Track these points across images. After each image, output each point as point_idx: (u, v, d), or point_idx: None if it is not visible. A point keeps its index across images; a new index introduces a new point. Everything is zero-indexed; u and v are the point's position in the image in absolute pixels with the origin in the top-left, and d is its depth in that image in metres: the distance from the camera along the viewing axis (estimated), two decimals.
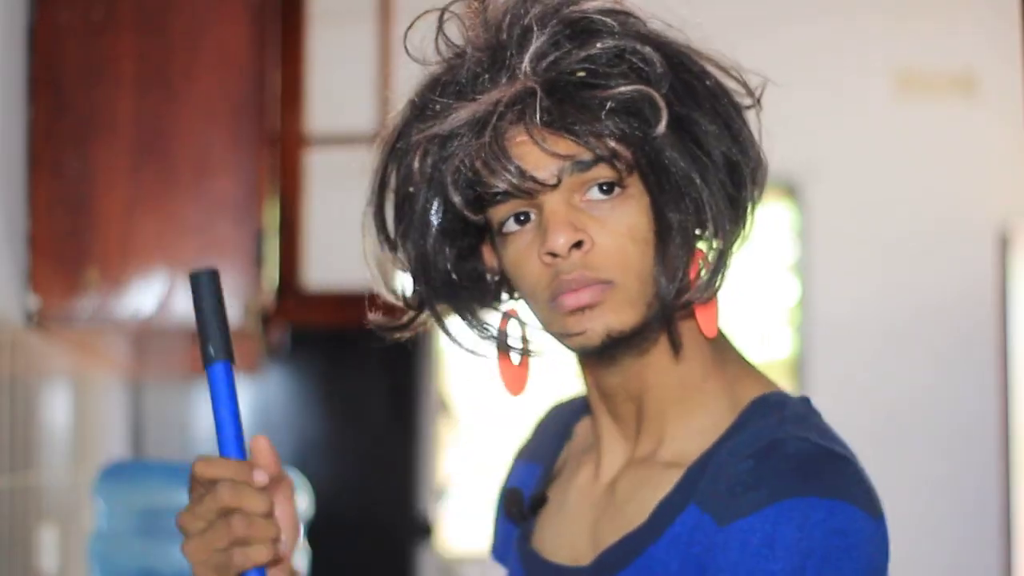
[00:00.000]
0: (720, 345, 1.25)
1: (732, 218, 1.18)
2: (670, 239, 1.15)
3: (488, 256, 1.22)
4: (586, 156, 1.12)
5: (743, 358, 1.27)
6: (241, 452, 1.10)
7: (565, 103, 1.11)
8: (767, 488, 1.09)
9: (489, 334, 1.21)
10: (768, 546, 1.07)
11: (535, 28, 1.13)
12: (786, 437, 1.14)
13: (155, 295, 1.89)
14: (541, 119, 1.11)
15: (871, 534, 1.12)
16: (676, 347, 1.20)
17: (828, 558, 1.08)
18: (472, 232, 1.20)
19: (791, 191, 5.68)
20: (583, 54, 1.13)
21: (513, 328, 1.21)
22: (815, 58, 5.65)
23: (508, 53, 1.14)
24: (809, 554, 1.07)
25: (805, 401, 1.23)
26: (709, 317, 1.20)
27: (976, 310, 5.53)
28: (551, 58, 1.12)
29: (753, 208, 1.21)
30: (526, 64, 1.12)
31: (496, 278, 1.23)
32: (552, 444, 1.38)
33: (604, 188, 1.13)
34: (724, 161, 1.17)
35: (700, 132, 1.16)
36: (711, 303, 1.20)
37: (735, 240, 1.20)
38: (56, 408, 2.09)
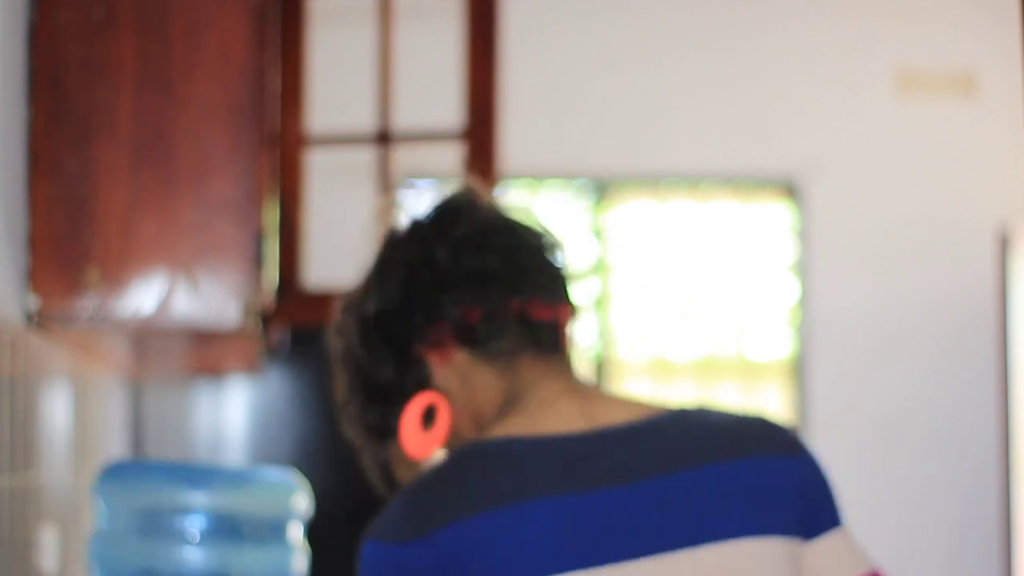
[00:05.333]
0: None
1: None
2: None
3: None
4: None
5: None
6: None
7: None
8: None
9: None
10: None
11: None
12: None
13: (155, 295, 1.89)
14: None
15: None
16: None
17: None
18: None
19: (791, 191, 5.69)
20: None
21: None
22: (815, 58, 5.65)
23: None
24: None
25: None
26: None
27: (976, 310, 5.53)
28: None
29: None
30: None
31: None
32: None
33: None
34: None
35: None
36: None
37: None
38: (56, 408, 2.09)
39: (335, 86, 4.43)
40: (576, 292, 1.54)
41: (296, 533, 1.87)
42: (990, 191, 5.57)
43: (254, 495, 1.81)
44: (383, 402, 1.53)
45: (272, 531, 1.82)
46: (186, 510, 1.75)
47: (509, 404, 1.47)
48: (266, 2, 1.95)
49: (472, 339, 1.47)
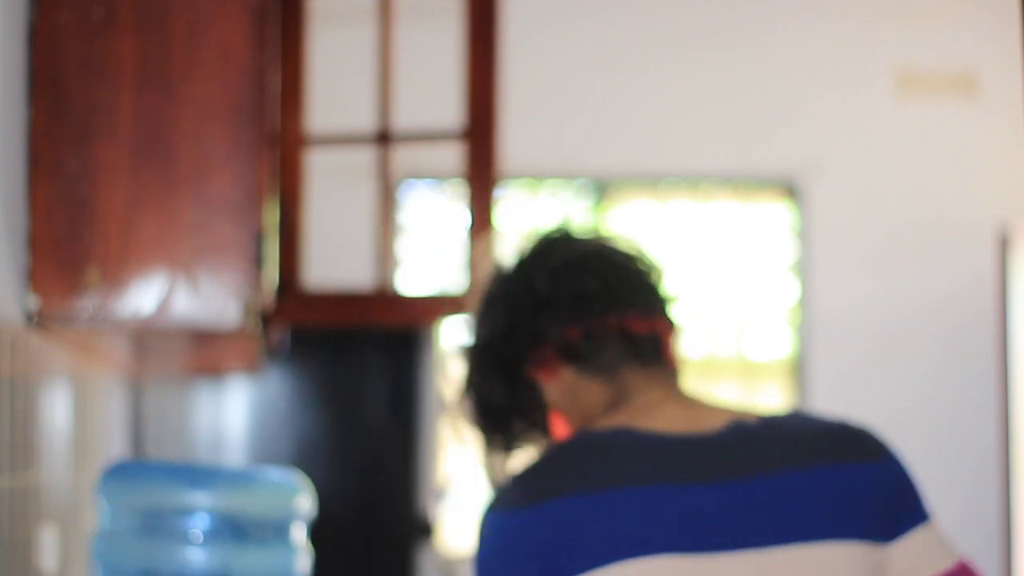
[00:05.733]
0: None
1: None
2: None
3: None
4: None
5: None
6: None
7: None
8: None
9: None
10: None
11: None
12: None
13: (155, 295, 1.89)
14: None
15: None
16: None
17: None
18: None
19: (791, 191, 5.69)
20: None
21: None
22: (815, 58, 5.65)
23: None
24: None
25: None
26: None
27: (976, 310, 5.53)
28: None
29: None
30: None
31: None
32: None
33: None
34: None
35: None
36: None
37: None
38: (56, 408, 2.09)
39: (335, 86, 4.43)
40: (676, 308, 1.69)
41: (299, 533, 1.87)
42: (990, 191, 5.57)
43: (257, 495, 1.81)
44: (501, 421, 1.68)
45: (275, 531, 1.82)
46: (189, 510, 1.75)
47: (613, 403, 1.62)
48: (266, 2, 1.94)
49: (575, 356, 1.62)
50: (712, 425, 1.57)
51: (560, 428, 1.66)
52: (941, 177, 5.60)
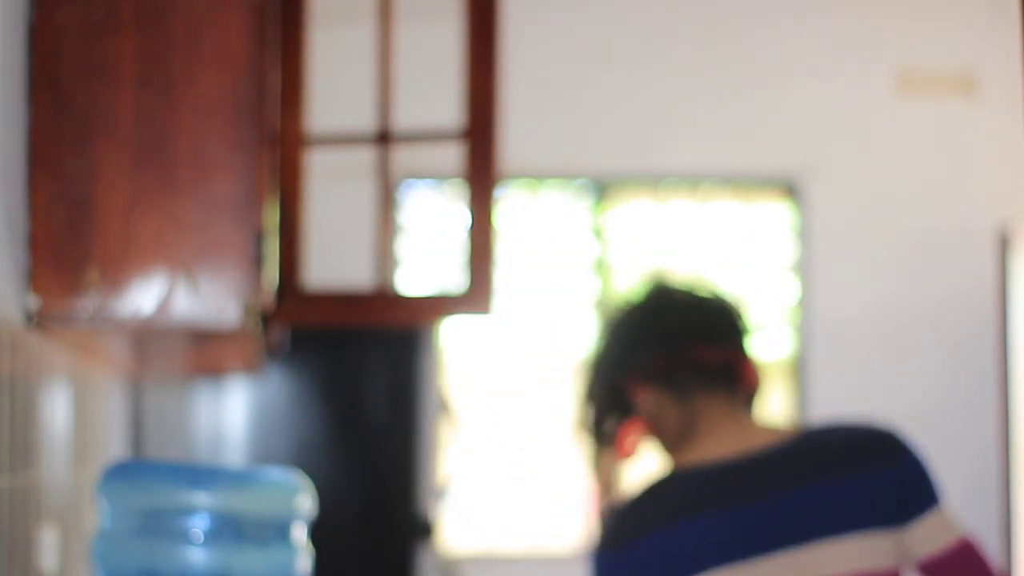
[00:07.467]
0: None
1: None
2: None
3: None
4: None
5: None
6: None
7: None
8: None
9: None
10: None
11: None
12: None
13: (155, 295, 1.89)
14: None
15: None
16: None
17: None
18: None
19: (791, 191, 5.69)
20: None
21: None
22: (815, 57, 5.65)
23: None
24: None
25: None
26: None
27: (976, 310, 5.53)
28: None
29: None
30: None
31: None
32: None
33: None
34: None
35: None
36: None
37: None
38: (56, 408, 2.09)
39: (335, 86, 4.43)
40: (749, 339, 2.12)
41: (299, 533, 1.87)
42: (990, 191, 5.57)
43: (258, 495, 1.81)
44: (606, 427, 2.15)
45: (275, 531, 1.82)
46: (189, 510, 1.75)
47: (686, 430, 2.08)
48: (266, 2, 1.94)
49: (659, 379, 2.09)
50: (757, 446, 2.01)
51: (641, 433, 2.12)
52: (941, 177, 5.60)
